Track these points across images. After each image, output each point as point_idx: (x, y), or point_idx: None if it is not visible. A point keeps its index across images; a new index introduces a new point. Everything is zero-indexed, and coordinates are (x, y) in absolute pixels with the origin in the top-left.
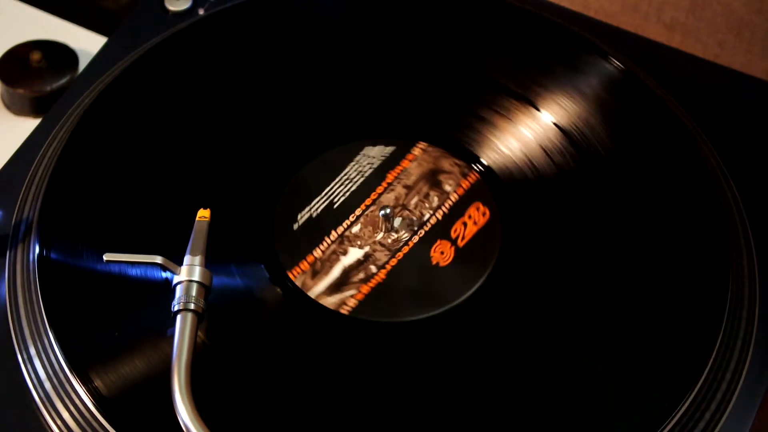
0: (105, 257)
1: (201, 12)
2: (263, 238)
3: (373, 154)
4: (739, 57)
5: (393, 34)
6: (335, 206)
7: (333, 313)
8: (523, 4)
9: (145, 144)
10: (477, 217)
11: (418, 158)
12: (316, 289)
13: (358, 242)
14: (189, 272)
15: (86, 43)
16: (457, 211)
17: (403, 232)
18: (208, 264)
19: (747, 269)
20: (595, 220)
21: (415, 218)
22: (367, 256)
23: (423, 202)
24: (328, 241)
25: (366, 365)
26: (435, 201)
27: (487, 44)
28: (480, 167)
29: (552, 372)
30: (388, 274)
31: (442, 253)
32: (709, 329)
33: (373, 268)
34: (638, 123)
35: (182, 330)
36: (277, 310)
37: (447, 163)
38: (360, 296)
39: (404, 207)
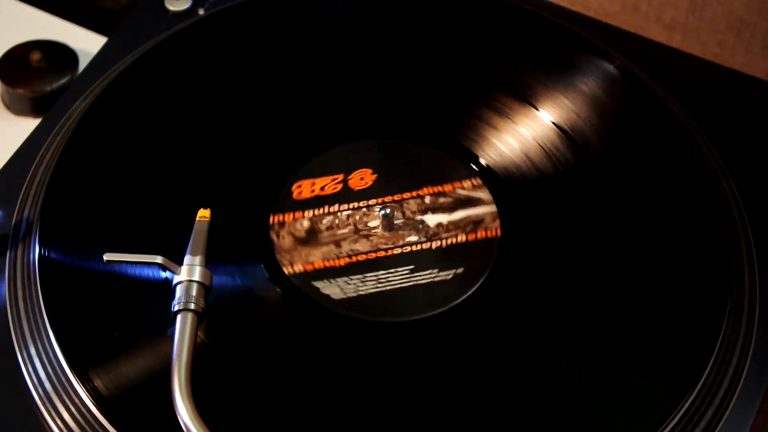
0: (105, 257)
1: (201, 12)
2: (263, 238)
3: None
4: (739, 57)
5: (393, 34)
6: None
7: (333, 313)
8: (523, 4)
9: (145, 144)
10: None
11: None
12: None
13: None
14: (189, 272)
15: (86, 43)
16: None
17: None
18: (208, 264)
19: (747, 269)
20: (595, 220)
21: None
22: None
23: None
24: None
25: (366, 365)
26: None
27: (487, 44)
28: (480, 167)
29: (552, 372)
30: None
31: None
32: (710, 329)
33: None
34: (638, 123)
35: (182, 330)
36: (276, 310)
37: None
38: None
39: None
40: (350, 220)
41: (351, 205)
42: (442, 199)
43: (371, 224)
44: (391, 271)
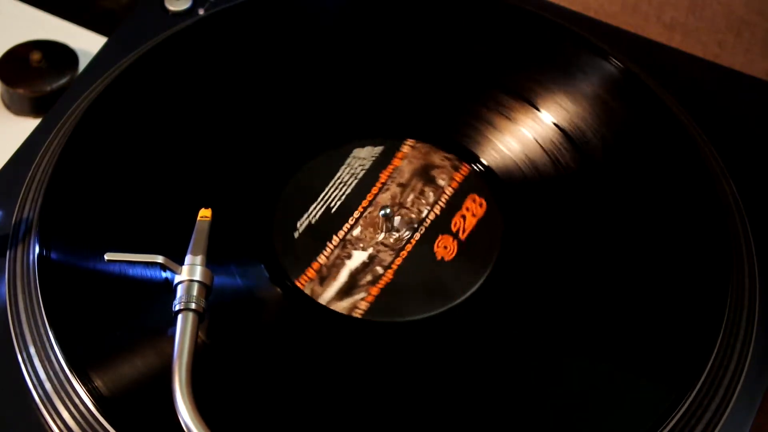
0: (106, 257)
1: (201, 12)
2: (263, 238)
3: (363, 155)
4: (739, 57)
5: (392, 34)
6: (333, 210)
7: (332, 313)
8: (523, 4)
9: (145, 144)
10: (474, 208)
11: (408, 155)
12: (326, 296)
13: (361, 244)
14: (190, 272)
15: (86, 43)
16: (455, 205)
17: (404, 230)
18: (208, 264)
19: (747, 269)
20: (596, 220)
21: (414, 216)
22: (371, 257)
23: (419, 198)
24: (331, 247)
25: (366, 365)
26: (431, 196)
27: (487, 44)
28: (480, 167)
29: (552, 372)
30: (395, 273)
31: (445, 248)
32: (710, 329)
33: (380, 269)
34: (638, 123)
35: (183, 330)
36: (277, 310)
37: (437, 158)
38: (370, 298)
39: (401, 205)
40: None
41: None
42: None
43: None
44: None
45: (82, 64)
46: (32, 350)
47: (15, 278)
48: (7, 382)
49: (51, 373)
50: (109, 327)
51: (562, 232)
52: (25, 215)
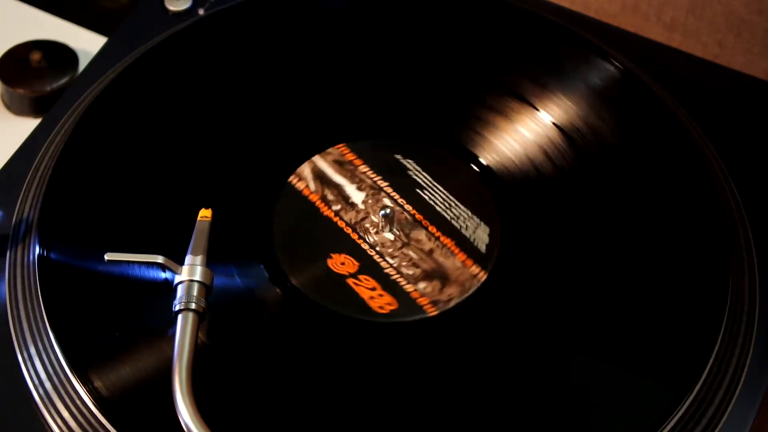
0: (106, 256)
1: (201, 12)
2: (263, 238)
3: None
4: (739, 57)
5: (393, 34)
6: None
7: (332, 313)
8: (523, 4)
9: (145, 144)
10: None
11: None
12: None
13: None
14: (190, 272)
15: (86, 43)
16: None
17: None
18: (208, 264)
19: (747, 269)
20: (595, 220)
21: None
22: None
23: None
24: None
25: (365, 365)
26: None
27: (487, 44)
28: (480, 167)
29: (552, 372)
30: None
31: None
32: (710, 329)
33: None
34: (638, 123)
35: (183, 330)
36: (277, 311)
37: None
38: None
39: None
40: (396, 251)
41: (373, 254)
42: (330, 194)
43: (388, 236)
44: (461, 217)
45: (82, 64)
46: (32, 350)
47: (15, 278)
48: (7, 382)
49: (51, 373)
50: (109, 327)
51: (561, 232)
52: (25, 215)
